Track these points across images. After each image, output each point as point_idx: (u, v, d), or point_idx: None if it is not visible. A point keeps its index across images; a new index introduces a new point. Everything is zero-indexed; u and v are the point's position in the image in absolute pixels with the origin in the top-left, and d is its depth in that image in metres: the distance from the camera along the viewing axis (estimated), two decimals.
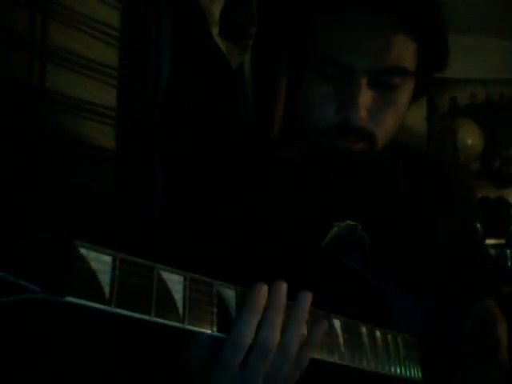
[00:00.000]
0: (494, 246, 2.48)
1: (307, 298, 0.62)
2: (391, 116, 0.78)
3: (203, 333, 0.56)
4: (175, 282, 0.54)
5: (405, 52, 0.76)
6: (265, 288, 0.59)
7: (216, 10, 1.21)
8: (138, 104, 1.18)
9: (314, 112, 0.78)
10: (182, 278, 0.54)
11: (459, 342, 0.83)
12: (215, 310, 0.56)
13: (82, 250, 0.47)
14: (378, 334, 0.74)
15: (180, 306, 0.53)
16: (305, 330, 0.63)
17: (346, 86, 0.75)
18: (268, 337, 0.58)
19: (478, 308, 0.84)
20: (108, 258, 0.48)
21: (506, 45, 2.82)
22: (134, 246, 0.55)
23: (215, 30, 1.21)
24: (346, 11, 0.75)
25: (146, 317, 0.50)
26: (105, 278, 0.48)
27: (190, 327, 0.54)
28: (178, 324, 0.53)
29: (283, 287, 0.61)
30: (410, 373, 0.79)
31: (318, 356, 0.65)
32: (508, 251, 2.52)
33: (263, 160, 0.91)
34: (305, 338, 0.62)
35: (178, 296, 0.53)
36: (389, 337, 0.77)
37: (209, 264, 0.64)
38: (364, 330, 0.73)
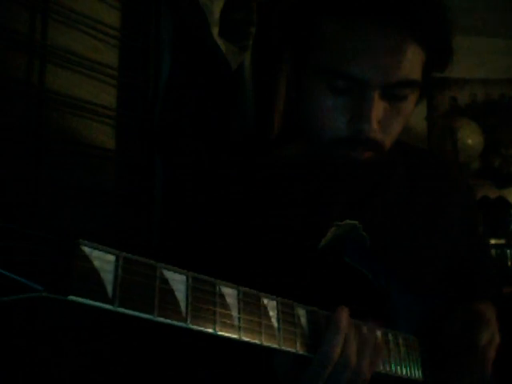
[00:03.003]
0: (494, 246, 2.48)
1: (376, 328, 0.72)
2: (399, 124, 0.79)
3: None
4: (178, 281, 0.54)
5: (415, 63, 0.76)
6: (347, 311, 0.68)
7: (216, 10, 1.21)
8: (138, 104, 1.18)
9: (325, 122, 0.78)
10: (184, 278, 0.54)
11: (452, 343, 0.83)
12: (218, 309, 0.56)
13: (86, 249, 0.47)
14: (378, 333, 0.74)
15: (182, 305, 0.53)
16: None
17: (358, 99, 0.75)
18: (349, 356, 0.65)
19: (465, 310, 0.84)
20: (111, 257, 0.48)
21: (506, 45, 2.82)
22: (135, 246, 0.55)
23: (215, 30, 1.21)
24: (356, 22, 0.73)
25: (149, 316, 0.50)
26: (108, 277, 0.48)
27: (193, 327, 0.54)
28: (180, 323, 0.53)
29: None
30: (411, 372, 0.79)
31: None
32: (508, 251, 2.52)
33: (263, 159, 0.91)
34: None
35: (180, 295, 0.53)
36: (389, 336, 0.77)
37: (209, 263, 0.64)
38: (365, 329, 0.73)
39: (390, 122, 0.78)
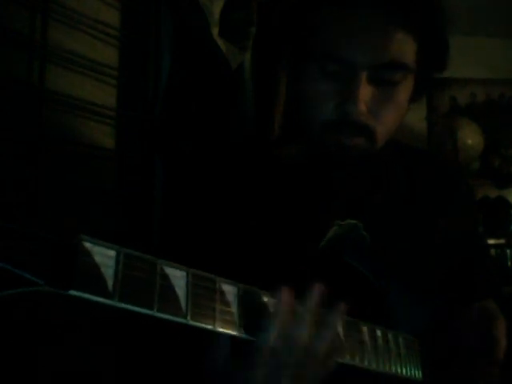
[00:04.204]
0: (494, 246, 2.48)
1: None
2: (391, 112, 0.79)
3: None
4: (178, 277, 0.54)
5: (404, 48, 0.77)
6: (287, 293, 0.64)
7: (216, 11, 1.22)
8: (138, 104, 1.18)
9: (315, 108, 0.79)
10: (184, 274, 0.55)
11: (458, 343, 0.83)
12: (217, 306, 0.57)
13: (87, 245, 0.47)
14: (378, 333, 0.74)
15: (182, 301, 0.53)
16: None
17: (346, 81, 0.76)
18: (298, 336, 0.62)
19: (476, 308, 0.84)
20: (112, 253, 0.49)
21: (506, 45, 2.82)
22: (135, 246, 0.55)
23: (215, 31, 1.21)
24: (348, 8, 0.75)
25: (149, 311, 0.50)
26: (108, 272, 0.48)
27: (193, 323, 0.54)
28: (180, 319, 0.53)
29: (316, 292, 0.66)
30: (411, 372, 0.79)
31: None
32: (508, 251, 2.52)
33: (263, 159, 0.91)
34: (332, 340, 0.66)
35: (180, 291, 0.53)
36: (390, 336, 0.77)
37: (210, 263, 0.65)
38: (365, 329, 0.73)
39: (379, 107, 0.78)
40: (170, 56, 1.18)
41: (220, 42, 1.22)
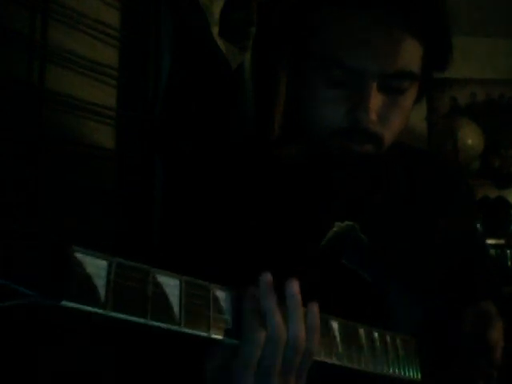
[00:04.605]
0: (494, 246, 2.48)
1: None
2: (398, 118, 0.79)
3: (210, 338, 0.57)
4: (171, 285, 0.54)
5: (413, 56, 0.76)
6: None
7: (216, 10, 1.22)
8: (138, 104, 1.18)
9: (322, 114, 0.78)
10: (177, 282, 0.55)
11: (457, 343, 0.83)
12: (212, 313, 0.56)
13: (78, 255, 0.47)
14: (376, 335, 0.74)
15: (176, 309, 0.53)
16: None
17: (356, 89, 0.75)
18: (278, 329, 0.60)
19: (474, 309, 0.84)
20: (103, 263, 0.49)
21: (506, 45, 2.82)
22: (135, 246, 0.55)
23: (215, 30, 1.21)
24: (349, 8, 0.74)
25: (142, 320, 0.50)
26: (100, 283, 0.48)
27: (187, 330, 0.54)
28: (174, 327, 0.53)
29: (293, 285, 0.64)
30: (409, 373, 0.79)
31: (316, 357, 0.65)
32: (508, 251, 2.52)
33: (263, 159, 0.91)
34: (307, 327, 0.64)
35: (174, 300, 0.53)
36: (387, 338, 0.77)
37: (209, 264, 0.65)
38: (362, 331, 0.73)
39: (388, 115, 0.77)
40: (169, 56, 1.18)
41: (220, 42, 1.22)
